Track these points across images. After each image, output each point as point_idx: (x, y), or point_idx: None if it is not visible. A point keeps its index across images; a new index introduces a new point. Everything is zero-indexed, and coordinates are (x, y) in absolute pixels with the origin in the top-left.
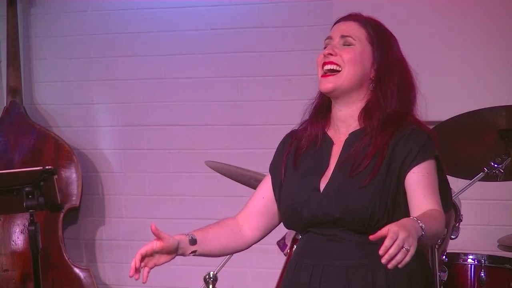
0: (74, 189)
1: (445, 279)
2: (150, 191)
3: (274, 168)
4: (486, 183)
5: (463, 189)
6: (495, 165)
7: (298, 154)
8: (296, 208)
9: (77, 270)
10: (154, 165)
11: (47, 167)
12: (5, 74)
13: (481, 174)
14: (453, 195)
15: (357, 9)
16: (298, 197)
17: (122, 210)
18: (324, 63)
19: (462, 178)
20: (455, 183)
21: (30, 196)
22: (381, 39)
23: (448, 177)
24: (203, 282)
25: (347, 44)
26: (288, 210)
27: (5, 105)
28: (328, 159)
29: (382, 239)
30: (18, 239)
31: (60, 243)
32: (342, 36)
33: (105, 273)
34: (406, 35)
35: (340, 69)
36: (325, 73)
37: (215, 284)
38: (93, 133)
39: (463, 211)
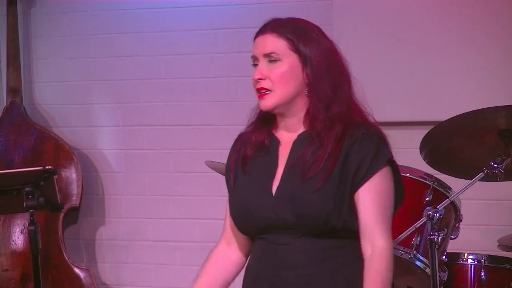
0: (74, 189)
1: (445, 279)
2: (150, 191)
3: (226, 174)
4: (486, 183)
5: (463, 189)
6: (495, 165)
7: (246, 158)
8: (250, 212)
9: (77, 270)
10: (154, 165)
11: (47, 167)
12: (5, 74)
13: (481, 174)
14: (453, 195)
15: (357, 9)
16: (251, 201)
17: (122, 210)
18: (257, 89)
19: (462, 178)
20: (455, 183)
21: (30, 196)
22: (303, 42)
23: (448, 177)
24: None
25: (273, 60)
26: (241, 215)
27: (5, 105)
28: (277, 161)
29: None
30: (18, 239)
31: (60, 243)
32: (265, 55)
33: (105, 273)
34: (406, 35)
35: (271, 90)
36: (260, 92)
37: None
38: (93, 133)
39: (463, 211)
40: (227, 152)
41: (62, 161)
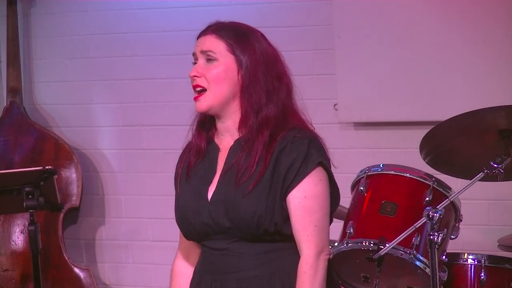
0: (74, 189)
1: (445, 279)
2: (150, 191)
3: (174, 182)
4: (486, 183)
5: (463, 189)
6: (495, 165)
7: (190, 166)
8: (189, 218)
9: (77, 270)
10: (154, 165)
11: (47, 167)
12: (5, 74)
13: (481, 174)
14: (453, 195)
15: (357, 9)
16: (189, 208)
17: (122, 210)
18: (193, 86)
19: (462, 178)
20: (455, 183)
21: (30, 196)
22: (241, 44)
23: (448, 177)
24: None
25: (210, 59)
26: (183, 221)
27: (5, 105)
28: (215, 167)
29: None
30: (18, 239)
31: (60, 243)
32: (202, 52)
33: (105, 273)
34: (406, 35)
35: (206, 89)
36: (197, 93)
37: None
38: (93, 133)
39: (463, 211)
40: None
41: (62, 161)
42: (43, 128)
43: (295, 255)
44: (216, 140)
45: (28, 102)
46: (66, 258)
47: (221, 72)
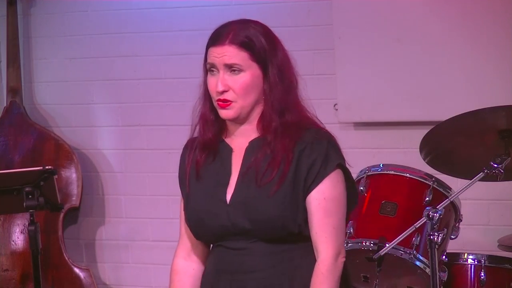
0: (74, 189)
1: (445, 279)
2: (150, 191)
3: (180, 182)
4: (486, 183)
5: (463, 189)
6: (495, 165)
7: (199, 164)
8: (205, 221)
9: (77, 270)
10: (154, 165)
11: (47, 167)
12: (5, 74)
13: (481, 174)
14: (453, 195)
15: (357, 9)
16: (205, 210)
17: (122, 210)
18: (218, 100)
19: (462, 178)
20: (455, 183)
21: (30, 196)
22: (263, 51)
23: (448, 177)
24: None
25: (235, 71)
26: (197, 224)
27: (5, 105)
28: (230, 168)
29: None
30: (18, 239)
31: (60, 243)
32: (226, 65)
33: (105, 273)
34: (406, 35)
35: (235, 101)
36: (222, 101)
37: None
38: (93, 133)
39: (463, 211)
40: None
41: (62, 161)
42: (43, 128)
43: (312, 254)
44: (227, 141)
45: (28, 102)
46: (66, 258)
47: (250, 83)
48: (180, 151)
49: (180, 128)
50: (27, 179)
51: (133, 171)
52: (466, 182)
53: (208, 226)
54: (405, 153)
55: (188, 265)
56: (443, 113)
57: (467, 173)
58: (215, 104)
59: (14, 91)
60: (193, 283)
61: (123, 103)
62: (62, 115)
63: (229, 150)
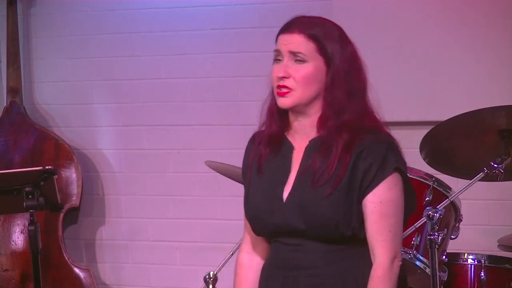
0: (74, 189)
1: (445, 279)
2: (150, 191)
3: (243, 176)
4: (486, 183)
5: (463, 189)
6: (495, 165)
7: (261, 159)
8: (261, 217)
9: (77, 270)
10: (154, 165)
11: (47, 167)
12: (5, 74)
13: (481, 174)
14: (453, 195)
15: (357, 9)
16: (262, 206)
17: (122, 210)
18: (278, 86)
19: (462, 178)
20: (455, 183)
21: (30, 196)
22: (330, 46)
23: (448, 177)
24: (203, 282)
25: (299, 60)
26: (254, 219)
27: (5, 105)
28: (290, 167)
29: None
30: (18, 239)
31: (60, 243)
32: (291, 52)
33: (105, 273)
34: (406, 36)
35: (294, 89)
36: (281, 90)
37: (215, 284)
38: (93, 133)
39: (463, 211)
40: (227, 152)
41: (62, 161)
42: (43, 128)
43: (367, 257)
44: (290, 138)
45: (28, 102)
46: (66, 258)
47: (311, 74)
48: (180, 151)
49: (180, 128)
50: (27, 179)
51: (133, 171)
52: (466, 182)
53: (264, 223)
54: (405, 153)
55: (251, 259)
56: (443, 113)
57: (467, 173)
58: (275, 93)
59: (14, 91)
60: (256, 278)
61: (123, 103)
62: (62, 115)
63: (291, 148)
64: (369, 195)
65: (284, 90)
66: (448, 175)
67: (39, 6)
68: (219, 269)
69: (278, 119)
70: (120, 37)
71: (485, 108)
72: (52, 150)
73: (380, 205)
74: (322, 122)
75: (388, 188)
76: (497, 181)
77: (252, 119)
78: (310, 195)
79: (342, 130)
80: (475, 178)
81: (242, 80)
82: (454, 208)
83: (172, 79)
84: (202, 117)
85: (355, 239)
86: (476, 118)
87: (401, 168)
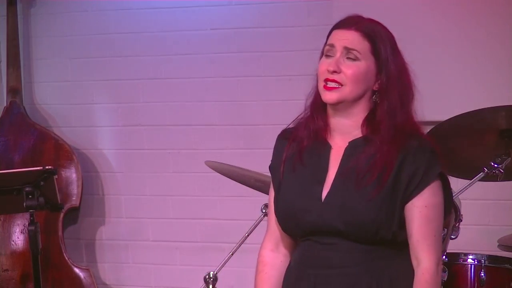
0: (74, 189)
1: (445, 279)
2: (150, 191)
3: (273, 170)
4: (486, 183)
5: (463, 189)
6: (495, 165)
7: (297, 156)
8: (295, 215)
9: (77, 270)
10: (154, 165)
11: (47, 167)
12: (5, 74)
13: (481, 174)
14: (453, 195)
15: (357, 9)
16: (297, 205)
17: (122, 210)
18: (327, 79)
19: (462, 178)
20: (455, 183)
21: (30, 196)
22: (384, 48)
23: (448, 177)
24: (203, 282)
25: (351, 58)
26: (287, 217)
27: (5, 105)
28: (327, 166)
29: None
30: (18, 239)
31: (60, 243)
32: (346, 48)
33: (105, 273)
34: (406, 35)
35: (343, 85)
36: (329, 84)
37: (215, 284)
38: (93, 133)
39: (463, 211)
40: (227, 152)
41: (62, 161)
42: (43, 128)
43: (405, 260)
44: (327, 138)
45: (28, 102)
46: (66, 258)
47: (362, 73)
48: (180, 151)
49: (180, 128)
50: (27, 179)
51: (133, 171)
52: (466, 182)
53: (298, 221)
54: None
55: (275, 256)
56: (443, 113)
57: (467, 173)
58: (321, 87)
59: (14, 91)
60: (279, 276)
61: (123, 103)
62: (62, 115)
63: (328, 147)
64: (414, 199)
65: (333, 84)
66: (448, 175)
67: (39, 6)
68: (219, 269)
69: (324, 115)
70: (120, 37)
71: (485, 108)
72: (52, 150)
73: (425, 209)
74: (373, 124)
75: (433, 193)
76: (497, 181)
77: (252, 119)
78: (353, 196)
79: (391, 133)
80: (475, 178)
81: (241, 80)
82: (454, 208)
83: (172, 79)
84: (202, 117)
85: (393, 243)
86: (476, 118)
87: (443, 174)
